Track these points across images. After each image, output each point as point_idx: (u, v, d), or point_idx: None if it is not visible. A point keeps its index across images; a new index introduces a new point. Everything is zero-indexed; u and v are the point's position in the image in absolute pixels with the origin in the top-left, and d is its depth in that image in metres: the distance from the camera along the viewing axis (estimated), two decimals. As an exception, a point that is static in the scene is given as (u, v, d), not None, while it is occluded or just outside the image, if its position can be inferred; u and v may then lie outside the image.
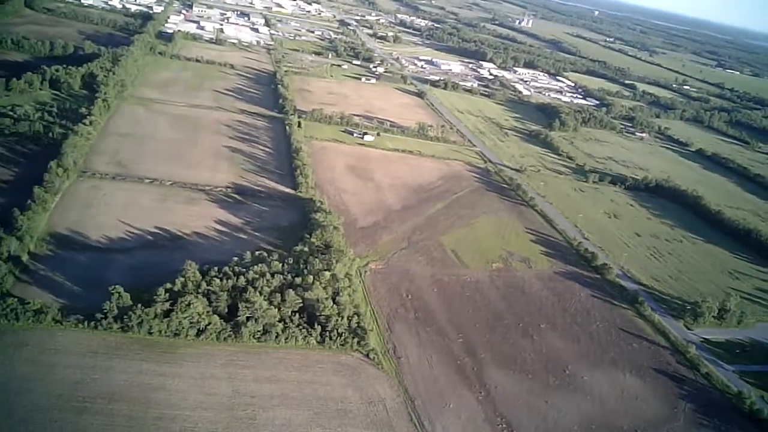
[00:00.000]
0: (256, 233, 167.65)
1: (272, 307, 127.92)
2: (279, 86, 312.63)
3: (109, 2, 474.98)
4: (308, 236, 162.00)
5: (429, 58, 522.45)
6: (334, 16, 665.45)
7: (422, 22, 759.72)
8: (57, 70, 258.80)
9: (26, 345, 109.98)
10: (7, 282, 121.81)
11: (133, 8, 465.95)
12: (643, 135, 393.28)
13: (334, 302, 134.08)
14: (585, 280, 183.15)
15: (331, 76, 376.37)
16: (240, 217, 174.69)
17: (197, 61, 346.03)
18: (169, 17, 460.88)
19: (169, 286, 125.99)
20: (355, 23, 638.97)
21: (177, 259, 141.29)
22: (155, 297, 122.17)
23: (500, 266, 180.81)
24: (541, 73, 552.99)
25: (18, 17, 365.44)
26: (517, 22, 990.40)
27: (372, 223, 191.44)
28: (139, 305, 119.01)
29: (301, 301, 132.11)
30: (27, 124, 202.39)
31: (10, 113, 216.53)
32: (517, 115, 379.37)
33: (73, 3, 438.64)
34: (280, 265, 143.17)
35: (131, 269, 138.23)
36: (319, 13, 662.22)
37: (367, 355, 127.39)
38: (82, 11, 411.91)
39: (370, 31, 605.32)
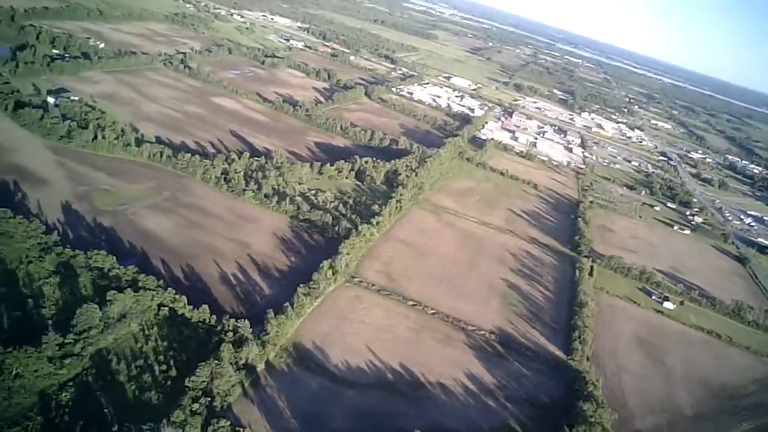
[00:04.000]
0: (507, 404, 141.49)
1: None
2: (579, 219, 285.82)
3: (437, 99, 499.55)
4: (567, 429, 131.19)
5: (759, 215, 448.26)
6: (656, 147, 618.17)
7: (757, 169, 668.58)
8: (366, 162, 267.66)
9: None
10: (233, 394, 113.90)
11: (456, 108, 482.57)
12: None
13: None
14: None
15: (640, 216, 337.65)
16: (495, 376, 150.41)
17: (501, 173, 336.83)
18: (486, 123, 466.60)
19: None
20: (677, 158, 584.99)
21: (410, 417, 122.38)
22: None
23: None
24: None
25: (355, 104, 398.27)
26: None
27: (652, 427, 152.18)
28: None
29: None
30: (320, 214, 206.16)
31: (312, 198, 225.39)
32: None
33: (405, 96, 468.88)
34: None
35: (357, 413, 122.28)
36: (640, 141, 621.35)
37: None
38: (409, 105, 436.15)
39: (693, 170, 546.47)
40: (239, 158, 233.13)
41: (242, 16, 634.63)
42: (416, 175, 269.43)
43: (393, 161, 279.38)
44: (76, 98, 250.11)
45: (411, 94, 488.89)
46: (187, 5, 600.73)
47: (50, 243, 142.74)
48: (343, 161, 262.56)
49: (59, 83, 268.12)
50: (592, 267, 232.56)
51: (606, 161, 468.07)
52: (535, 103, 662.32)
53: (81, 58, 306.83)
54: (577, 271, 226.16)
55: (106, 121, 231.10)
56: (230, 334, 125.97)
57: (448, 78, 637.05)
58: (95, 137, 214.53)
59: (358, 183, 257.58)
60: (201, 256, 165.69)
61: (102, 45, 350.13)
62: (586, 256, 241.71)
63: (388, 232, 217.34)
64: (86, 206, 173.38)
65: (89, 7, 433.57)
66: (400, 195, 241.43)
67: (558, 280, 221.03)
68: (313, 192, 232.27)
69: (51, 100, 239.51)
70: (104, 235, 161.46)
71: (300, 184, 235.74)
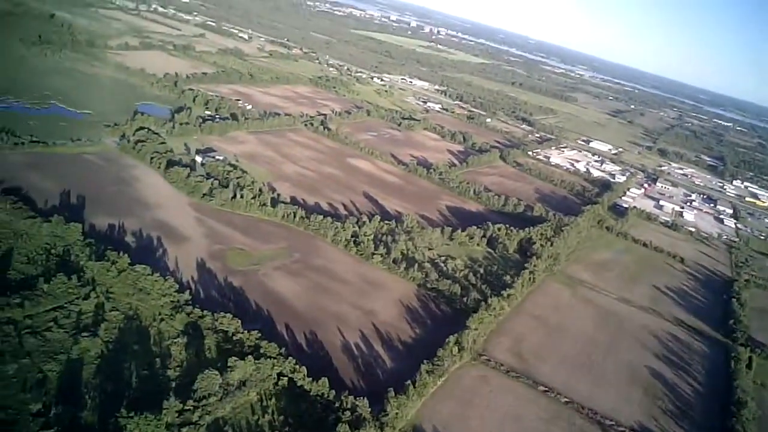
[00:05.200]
0: None
1: None
2: (733, 299, 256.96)
3: (575, 164, 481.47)
4: None
5: None
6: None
7: None
8: (499, 229, 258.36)
9: None
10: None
11: (596, 174, 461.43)
12: None
13: None
14: None
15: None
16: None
17: (644, 245, 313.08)
18: (628, 189, 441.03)
19: None
20: None
21: None
22: None
23: None
24: None
25: (490, 167, 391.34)
26: None
27: None
28: None
29: None
30: (448, 283, 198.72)
31: (441, 264, 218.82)
32: None
33: (542, 160, 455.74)
34: None
35: None
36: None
37: None
38: (546, 170, 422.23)
39: None
40: (370, 221, 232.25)
41: (382, 79, 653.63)
42: (552, 245, 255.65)
43: (527, 229, 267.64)
44: (221, 158, 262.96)
45: (548, 158, 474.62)
46: (331, 69, 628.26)
47: (182, 302, 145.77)
48: (474, 227, 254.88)
49: (208, 143, 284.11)
50: (750, 358, 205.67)
51: (763, 234, 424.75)
52: (681, 169, 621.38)
53: (229, 119, 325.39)
54: (732, 362, 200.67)
55: (246, 181, 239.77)
56: (348, 413, 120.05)
57: (588, 142, 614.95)
58: (234, 196, 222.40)
59: (489, 250, 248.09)
60: (325, 322, 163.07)
61: (249, 107, 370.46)
62: (742, 345, 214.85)
63: (519, 305, 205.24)
64: (219, 265, 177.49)
65: (242, 72, 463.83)
66: (534, 265, 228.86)
67: (709, 370, 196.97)
68: (442, 258, 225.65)
69: (198, 159, 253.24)
70: (233, 295, 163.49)
71: (429, 249, 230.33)
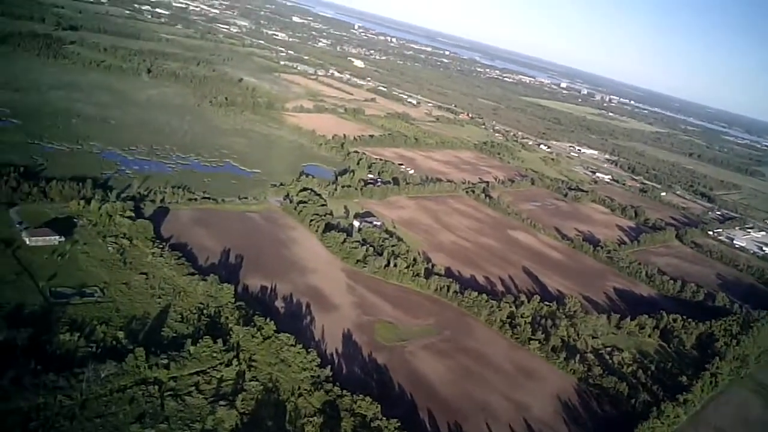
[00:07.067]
0: None
1: None
2: None
3: (765, 247, 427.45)
4: None
5: None
6: None
7: None
8: (674, 320, 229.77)
9: None
10: None
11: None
12: None
13: None
14: None
15: None
16: None
17: None
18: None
19: None
20: None
21: None
22: None
23: None
24: None
25: (664, 247, 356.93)
26: None
27: None
28: None
29: None
30: (614, 380, 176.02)
31: (605, 357, 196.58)
32: None
33: (725, 242, 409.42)
34: None
35: None
36: None
37: None
38: (729, 252, 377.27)
39: None
40: (528, 301, 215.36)
41: (549, 147, 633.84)
42: (738, 343, 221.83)
43: (708, 321, 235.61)
44: (378, 223, 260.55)
45: (731, 239, 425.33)
46: (497, 134, 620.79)
47: (322, 377, 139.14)
48: (646, 316, 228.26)
49: (367, 206, 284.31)
50: None
51: None
52: None
53: (390, 183, 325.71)
54: None
55: (401, 249, 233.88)
56: None
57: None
58: (388, 264, 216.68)
59: (662, 344, 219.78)
60: (472, 414, 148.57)
61: (411, 171, 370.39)
62: None
63: (698, 414, 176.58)
64: (366, 338, 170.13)
65: (407, 136, 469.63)
66: (717, 367, 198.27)
67: None
68: (608, 349, 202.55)
69: (356, 223, 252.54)
70: (376, 374, 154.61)
71: (593, 338, 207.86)
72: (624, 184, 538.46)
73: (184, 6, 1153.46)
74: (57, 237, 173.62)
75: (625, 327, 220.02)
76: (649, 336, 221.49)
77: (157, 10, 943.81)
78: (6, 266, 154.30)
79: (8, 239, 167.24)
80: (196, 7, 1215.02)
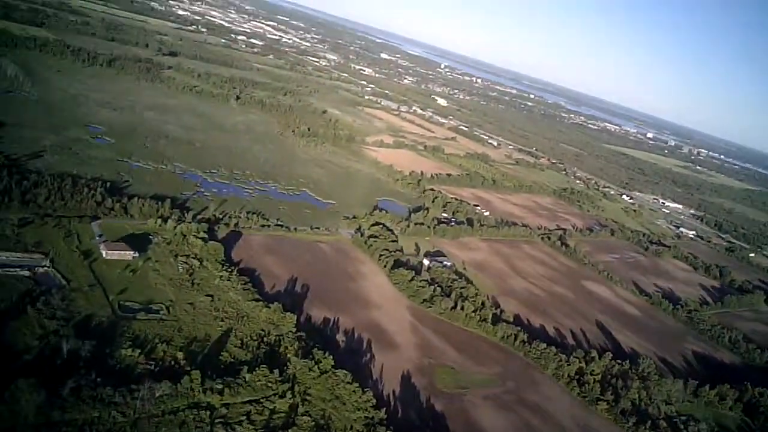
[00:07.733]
0: None
1: None
2: None
3: None
4: None
5: None
6: None
7: None
8: (761, 394, 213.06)
9: None
10: None
11: None
12: None
13: None
14: None
15: None
16: None
17: None
18: None
19: None
20: None
21: None
22: None
23: None
24: None
25: (751, 311, 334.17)
26: None
27: None
28: None
29: None
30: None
31: (680, 426, 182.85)
32: None
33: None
34: None
35: None
36: None
37: None
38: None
39: None
40: (599, 358, 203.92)
41: (631, 198, 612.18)
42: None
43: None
44: (448, 263, 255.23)
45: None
46: (578, 181, 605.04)
47: (376, 419, 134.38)
48: (727, 385, 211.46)
49: (439, 245, 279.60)
50: None
51: None
52: None
53: (464, 224, 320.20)
54: None
55: (470, 292, 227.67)
56: None
57: None
58: (455, 306, 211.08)
59: (746, 419, 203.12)
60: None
61: (487, 213, 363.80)
62: None
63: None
64: (425, 382, 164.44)
65: (485, 177, 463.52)
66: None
67: None
68: (682, 418, 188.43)
69: (426, 262, 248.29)
70: (432, 421, 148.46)
71: (667, 404, 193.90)
72: (709, 242, 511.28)
73: (277, 38, 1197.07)
74: (132, 252, 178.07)
75: (704, 395, 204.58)
76: (731, 408, 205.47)
77: (252, 40, 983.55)
78: (82, 277, 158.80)
79: (88, 251, 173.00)
80: (289, 39, 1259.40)
